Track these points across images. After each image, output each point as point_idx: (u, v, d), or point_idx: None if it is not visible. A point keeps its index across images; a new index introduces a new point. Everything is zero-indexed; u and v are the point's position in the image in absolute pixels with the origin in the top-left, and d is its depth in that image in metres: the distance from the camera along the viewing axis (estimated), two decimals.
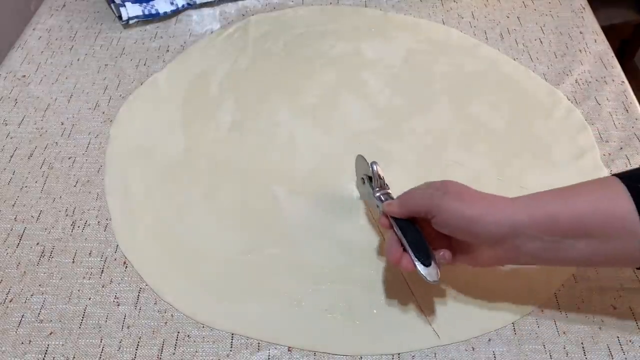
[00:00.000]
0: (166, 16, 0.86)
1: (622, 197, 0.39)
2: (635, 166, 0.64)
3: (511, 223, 0.42)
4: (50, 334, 0.51)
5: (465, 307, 0.52)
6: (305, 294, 0.53)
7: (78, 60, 0.79)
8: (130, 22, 0.84)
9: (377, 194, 0.52)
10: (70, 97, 0.73)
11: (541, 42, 0.80)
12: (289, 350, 0.50)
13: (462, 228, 0.44)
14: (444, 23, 0.84)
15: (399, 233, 0.48)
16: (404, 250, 0.47)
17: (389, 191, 0.53)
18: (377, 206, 0.52)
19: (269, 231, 0.58)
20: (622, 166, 0.64)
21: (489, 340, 0.50)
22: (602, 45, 0.80)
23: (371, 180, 0.54)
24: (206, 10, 0.88)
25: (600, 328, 0.51)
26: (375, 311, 0.52)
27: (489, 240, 0.44)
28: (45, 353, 0.49)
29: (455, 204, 0.44)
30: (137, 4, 0.84)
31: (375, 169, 0.53)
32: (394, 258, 0.47)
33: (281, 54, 0.80)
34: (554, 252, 0.42)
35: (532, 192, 0.45)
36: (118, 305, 0.53)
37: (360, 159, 0.56)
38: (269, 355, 0.49)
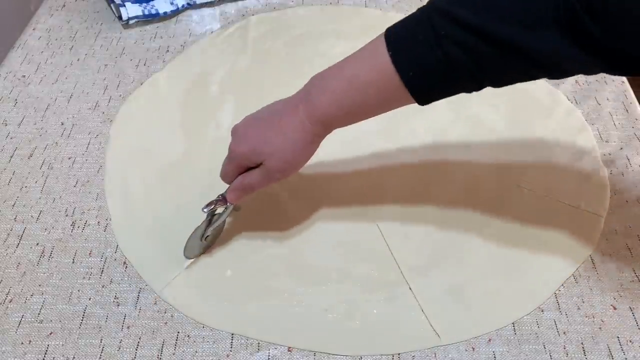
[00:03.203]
0: (166, 16, 0.86)
1: (399, 88, 0.43)
2: (635, 166, 0.64)
3: (316, 138, 0.48)
4: (50, 334, 0.51)
5: (465, 307, 0.52)
6: (305, 294, 0.53)
7: (78, 60, 0.79)
8: (130, 22, 0.84)
9: (229, 206, 0.53)
10: (70, 97, 0.73)
11: None
12: (289, 350, 0.50)
13: (293, 172, 0.49)
14: None
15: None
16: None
17: (223, 197, 0.52)
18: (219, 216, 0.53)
19: (269, 231, 0.58)
20: (622, 166, 0.64)
21: (489, 340, 0.50)
22: None
23: (211, 222, 0.53)
24: (206, 10, 0.88)
25: (600, 328, 0.51)
26: (375, 311, 0.52)
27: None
28: (45, 353, 0.49)
29: (283, 173, 0.48)
30: (137, 4, 0.84)
31: (211, 205, 0.52)
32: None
33: (281, 54, 0.80)
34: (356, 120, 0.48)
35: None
36: (118, 305, 0.53)
37: (189, 244, 0.54)
38: (269, 355, 0.49)
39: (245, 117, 0.51)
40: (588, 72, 0.41)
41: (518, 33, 0.38)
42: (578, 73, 0.42)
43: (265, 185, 0.50)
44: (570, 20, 0.37)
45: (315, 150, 0.49)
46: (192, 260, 0.55)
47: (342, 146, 0.67)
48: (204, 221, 0.53)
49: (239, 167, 0.50)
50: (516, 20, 0.38)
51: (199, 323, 0.51)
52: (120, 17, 0.83)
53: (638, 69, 0.38)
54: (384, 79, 0.44)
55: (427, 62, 0.41)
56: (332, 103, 0.46)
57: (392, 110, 0.73)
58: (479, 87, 0.43)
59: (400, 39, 0.43)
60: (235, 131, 0.51)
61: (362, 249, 0.57)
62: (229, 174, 0.52)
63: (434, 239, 0.57)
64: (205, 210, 0.52)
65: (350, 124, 0.48)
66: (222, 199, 0.52)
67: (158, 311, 0.52)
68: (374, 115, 0.48)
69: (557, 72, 0.41)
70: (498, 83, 0.43)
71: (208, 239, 0.55)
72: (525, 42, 0.38)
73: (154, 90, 0.75)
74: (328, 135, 0.66)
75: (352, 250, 0.57)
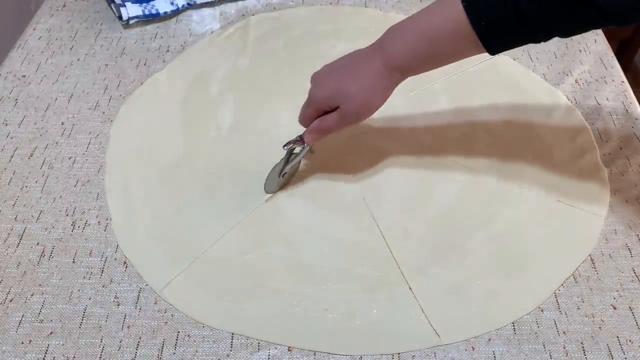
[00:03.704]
0: (166, 16, 0.86)
1: (472, 39, 0.46)
2: (635, 166, 0.64)
3: (390, 88, 0.52)
4: (51, 333, 0.51)
5: (465, 307, 0.52)
6: (305, 294, 0.53)
7: (78, 60, 0.79)
8: (131, 22, 0.84)
9: (305, 147, 0.57)
10: (71, 97, 0.74)
11: None
12: (289, 350, 0.50)
13: (367, 116, 0.53)
14: None
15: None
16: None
17: (302, 137, 0.57)
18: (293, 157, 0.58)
19: (269, 231, 0.58)
20: (622, 166, 0.64)
21: (489, 340, 0.50)
22: (602, 45, 0.80)
23: (289, 161, 0.58)
24: (206, 10, 0.88)
25: (600, 328, 0.51)
26: (375, 311, 0.52)
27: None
28: (46, 353, 0.49)
29: (360, 115, 0.52)
30: (137, 4, 0.84)
31: (290, 144, 0.57)
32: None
33: (281, 54, 0.80)
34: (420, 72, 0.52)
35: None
36: (118, 305, 0.53)
37: (269, 180, 0.59)
38: (269, 355, 0.49)
39: (324, 66, 0.55)
40: None
41: None
42: None
43: (341, 128, 0.53)
44: None
45: (389, 95, 0.53)
46: (269, 195, 0.60)
47: (342, 146, 0.67)
48: (282, 159, 0.58)
49: (317, 111, 0.54)
50: None
51: (199, 323, 0.51)
52: (120, 17, 0.83)
53: None
54: (457, 29, 0.46)
55: (499, 12, 0.44)
56: (408, 53, 0.50)
57: (392, 110, 0.74)
58: (547, 38, 0.46)
59: None
60: (314, 78, 0.55)
61: (362, 249, 0.57)
62: (307, 117, 0.55)
63: (434, 239, 0.57)
64: (285, 148, 0.56)
65: (425, 71, 0.52)
66: (300, 140, 0.56)
67: (158, 311, 0.52)
68: (446, 64, 0.51)
69: (623, 20, 0.43)
70: (567, 33, 0.46)
71: (285, 176, 0.60)
72: None
73: (154, 90, 0.75)
74: (328, 135, 0.66)
75: (352, 250, 0.57)
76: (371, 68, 0.51)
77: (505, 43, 0.47)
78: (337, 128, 0.54)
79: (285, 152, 0.57)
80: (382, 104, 0.53)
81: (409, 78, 0.53)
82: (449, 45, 0.48)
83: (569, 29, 0.46)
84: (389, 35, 0.51)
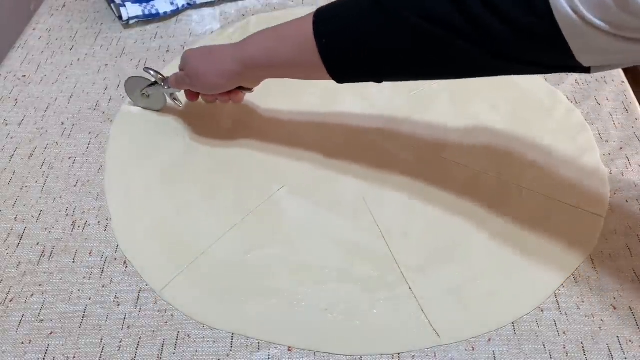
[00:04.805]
0: (166, 16, 0.86)
1: (314, 53, 0.49)
2: (635, 166, 0.64)
3: (234, 74, 0.57)
4: (51, 334, 0.51)
5: (465, 307, 0.52)
6: (305, 294, 0.53)
7: (78, 60, 0.79)
8: (131, 22, 0.84)
9: (167, 86, 0.65)
10: (71, 97, 0.74)
11: None
12: (289, 350, 0.50)
13: (213, 90, 0.60)
14: None
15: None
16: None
17: (165, 77, 0.66)
18: (171, 96, 0.67)
19: (269, 231, 0.58)
20: (622, 166, 0.64)
21: (489, 340, 0.50)
22: None
23: (152, 85, 0.67)
24: (206, 10, 0.88)
25: (600, 328, 0.51)
26: (375, 311, 0.52)
27: (231, 86, 0.59)
28: (46, 353, 0.49)
29: (199, 82, 0.60)
30: (137, 4, 0.84)
31: (151, 70, 0.66)
32: (224, 99, 0.62)
33: None
34: (274, 76, 0.57)
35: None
36: (118, 305, 0.53)
37: (130, 82, 0.69)
38: (269, 355, 0.49)
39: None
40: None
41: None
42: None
43: (183, 86, 0.62)
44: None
45: (228, 80, 0.58)
46: (130, 103, 0.72)
47: (342, 145, 0.67)
48: (149, 81, 0.67)
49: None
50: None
51: (199, 323, 0.51)
52: (120, 17, 0.83)
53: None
54: (302, 35, 0.50)
55: (341, 27, 0.48)
56: (255, 47, 0.55)
57: (392, 110, 0.73)
58: (389, 76, 0.50)
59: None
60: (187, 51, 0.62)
61: (362, 249, 0.57)
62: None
63: (434, 239, 0.57)
64: (145, 68, 0.67)
65: (272, 74, 0.57)
66: (165, 79, 0.66)
67: (158, 311, 0.52)
68: (294, 74, 0.55)
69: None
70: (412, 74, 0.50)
71: (143, 97, 0.70)
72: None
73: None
74: (328, 135, 0.67)
75: (352, 250, 0.57)
76: (221, 52, 0.57)
77: (347, 68, 0.49)
78: (181, 84, 0.62)
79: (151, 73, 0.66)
80: (219, 83, 0.58)
81: None
82: (293, 50, 0.51)
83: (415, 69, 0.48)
84: (255, 33, 0.56)
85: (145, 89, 0.68)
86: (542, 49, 0.39)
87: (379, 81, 0.51)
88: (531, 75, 0.50)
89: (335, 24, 0.48)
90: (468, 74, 0.47)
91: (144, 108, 0.71)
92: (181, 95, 0.66)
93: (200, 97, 0.64)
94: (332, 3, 0.49)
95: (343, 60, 0.49)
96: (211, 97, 0.62)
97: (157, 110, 0.71)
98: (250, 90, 0.61)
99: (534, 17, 0.37)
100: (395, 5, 0.43)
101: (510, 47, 0.40)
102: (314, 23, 0.49)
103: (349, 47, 0.47)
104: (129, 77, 0.69)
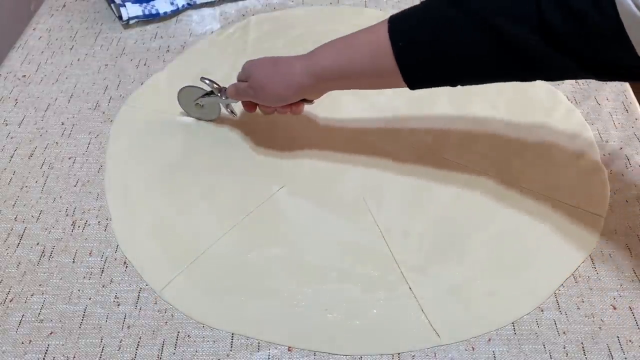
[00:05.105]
0: (166, 16, 0.86)
1: (390, 59, 0.49)
2: (635, 166, 0.64)
3: (304, 87, 0.56)
4: (51, 333, 0.51)
5: (465, 307, 0.52)
6: (305, 294, 0.53)
7: (78, 60, 0.79)
8: (131, 22, 0.84)
9: (224, 94, 0.65)
10: (71, 97, 0.74)
11: None
12: (289, 350, 0.50)
13: (277, 103, 0.59)
14: None
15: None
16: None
17: (221, 86, 0.65)
18: (227, 107, 0.66)
19: (269, 231, 0.58)
20: (622, 166, 0.64)
21: (489, 340, 0.50)
22: None
23: (208, 94, 0.66)
24: (206, 10, 0.88)
25: (600, 328, 0.51)
26: (375, 311, 0.52)
27: (297, 99, 0.59)
28: (46, 353, 0.49)
29: (264, 95, 0.58)
30: (137, 4, 0.84)
31: (207, 80, 0.65)
32: (283, 110, 0.60)
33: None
34: (348, 88, 0.56)
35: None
36: (118, 305, 0.53)
37: (185, 91, 0.67)
38: (269, 355, 0.49)
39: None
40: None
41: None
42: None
43: (246, 97, 0.61)
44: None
45: (295, 93, 0.57)
46: (182, 111, 0.70)
47: (342, 146, 0.67)
48: (204, 92, 0.66)
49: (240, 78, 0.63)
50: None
51: (199, 323, 0.51)
52: (120, 17, 0.83)
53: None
54: (377, 43, 0.49)
55: (417, 34, 0.47)
56: (327, 59, 0.53)
57: (392, 111, 0.73)
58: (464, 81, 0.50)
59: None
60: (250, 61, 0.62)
61: (362, 249, 0.57)
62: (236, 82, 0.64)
63: (433, 239, 0.57)
64: (202, 79, 0.65)
65: (345, 86, 0.55)
66: (223, 89, 0.65)
67: (158, 311, 0.52)
68: (367, 85, 0.55)
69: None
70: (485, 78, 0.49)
71: (197, 107, 0.68)
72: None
73: (154, 90, 0.75)
74: (328, 136, 0.67)
75: (352, 250, 0.57)
76: (288, 63, 0.56)
77: (423, 72, 0.49)
78: (243, 95, 0.61)
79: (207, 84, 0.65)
80: (285, 95, 0.57)
81: None
82: (366, 57, 0.50)
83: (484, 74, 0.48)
84: (321, 46, 0.55)
85: (199, 99, 0.67)
86: (607, 46, 0.40)
87: (454, 85, 0.50)
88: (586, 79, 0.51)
89: (412, 27, 0.47)
90: (543, 76, 0.46)
91: (197, 119, 0.70)
92: (236, 106, 0.66)
93: (257, 108, 0.62)
94: (406, 9, 0.49)
95: (420, 63, 0.48)
96: (270, 109, 0.60)
97: (211, 121, 0.70)
98: (311, 102, 0.60)
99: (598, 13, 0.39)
100: (476, 6, 0.43)
101: (576, 42, 0.41)
102: (389, 27, 0.48)
103: (426, 49, 0.47)
104: (183, 87, 0.67)
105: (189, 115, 0.70)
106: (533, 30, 0.41)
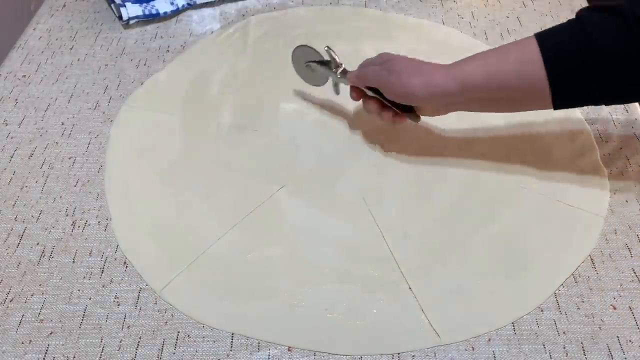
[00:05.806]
0: (166, 16, 0.86)
1: (539, 68, 0.48)
2: (635, 166, 0.64)
3: (442, 91, 0.53)
4: (51, 334, 0.51)
5: (465, 307, 0.52)
6: (305, 294, 0.53)
7: (78, 60, 0.79)
8: (131, 22, 0.84)
9: (340, 71, 0.63)
10: (71, 97, 0.74)
11: None
12: (289, 350, 0.50)
13: (403, 98, 0.56)
14: (443, 23, 0.84)
15: (375, 95, 0.59)
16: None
17: (345, 66, 0.63)
18: (335, 84, 0.65)
19: (269, 231, 0.58)
20: (622, 166, 0.64)
21: (489, 340, 0.50)
22: None
23: (323, 63, 0.65)
24: (206, 11, 0.88)
25: (600, 328, 0.51)
26: (375, 311, 0.52)
27: (425, 104, 0.57)
28: (46, 353, 0.49)
29: (397, 82, 0.55)
30: (137, 4, 0.84)
31: (332, 52, 0.63)
32: (388, 116, 0.59)
33: (281, 54, 0.80)
34: (480, 108, 0.56)
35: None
36: (118, 305, 0.53)
37: (302, 49, 0.67)
38: (269, 355, 0.49)
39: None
40: None
41: None
42: None
43: (373, 81, 0.58)
44: None
45: (429, 93, 0.54)
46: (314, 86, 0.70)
47: (342, 145, 0.67)
48: (321, 59, 0.66)
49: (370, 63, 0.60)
50: None
51: (199, 323, 0.51)
52: (120, 17, 0.83)
53: None
54: (526, 51, 0.48)
55: (572, 46, 0.46)
56: (475, 69, 0.52)
57: None
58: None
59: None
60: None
61: (362, 249, 0.57)
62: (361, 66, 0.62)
63: (434, 239, 0.57)
64: (326, 47, 0.64)
65: (482, 106, 0.55)
66: (344, 69, 0.63)
67: (158, 311, 0.52)
68: (506, 108, 0.55)
69: None
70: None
71: (308, 71, 0.68)
72: None
73: (154, 90, 0.75)
74: (328, 136, 0.67)
75: (352, 250, 0.57)
76: (431, 65, 0.55)
77: (575, 80, 0.47)
78: (368, 78, 0.58)
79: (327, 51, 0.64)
80: (418, 95, 0.54)
81: None
82: (515, 65, 0.49)
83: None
84: (464, 58, 0.54)
85: (312, 63, 0.67)
86: None
87: (601, 103, 0.48)
88: None
89: (564, 33, 0.46)
90: None
91: (302, 78, 0.70)
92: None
93: (362, 101, 0.61)
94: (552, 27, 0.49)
95: (572, 73, 0.47)
96: (378, 107, 0.59)
97: (314, 85, 0.70)
98: (417, 118, 0.59)
99: None
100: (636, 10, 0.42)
101: None
102: (539, 36, 0.47)
103: (580, 57, 0.45)
104: (300, 45, 0.67)
105: (297, 72, 0.70)
106: None
